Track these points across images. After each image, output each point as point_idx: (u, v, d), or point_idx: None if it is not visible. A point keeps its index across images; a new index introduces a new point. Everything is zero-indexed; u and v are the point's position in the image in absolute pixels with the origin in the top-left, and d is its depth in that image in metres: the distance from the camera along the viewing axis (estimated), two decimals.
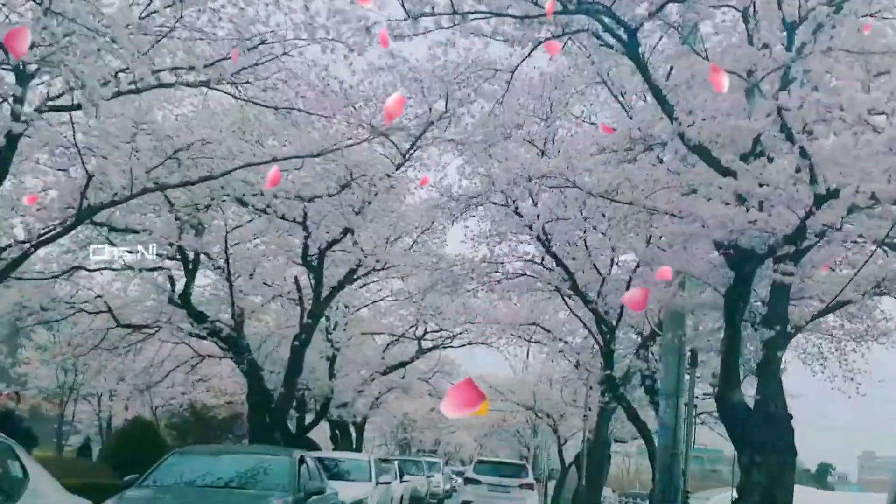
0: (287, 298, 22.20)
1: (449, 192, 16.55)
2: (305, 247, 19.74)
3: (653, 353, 18.25)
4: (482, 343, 34.24)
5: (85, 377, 30.29)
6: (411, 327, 33.14)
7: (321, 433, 41.34)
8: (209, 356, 26.46)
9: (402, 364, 33.82)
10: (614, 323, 18.80)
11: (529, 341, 31.86)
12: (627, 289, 16.87)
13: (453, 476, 46.18)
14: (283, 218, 17.82)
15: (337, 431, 33.19)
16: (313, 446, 35.53)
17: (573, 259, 17.59)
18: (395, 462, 23.98)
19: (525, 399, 36.74)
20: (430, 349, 34.21)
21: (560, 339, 29.34)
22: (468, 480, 24.43)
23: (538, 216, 14.80)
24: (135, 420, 25.67)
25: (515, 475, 24.46)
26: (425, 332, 33.82)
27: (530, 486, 24.07)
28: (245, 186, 16.37)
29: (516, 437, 56.98)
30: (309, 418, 29.38)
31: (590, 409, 27.25)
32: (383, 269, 27.64)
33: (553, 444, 43.34)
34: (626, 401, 19.05)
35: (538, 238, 16.59)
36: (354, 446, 39.00)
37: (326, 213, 19.09)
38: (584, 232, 15.97)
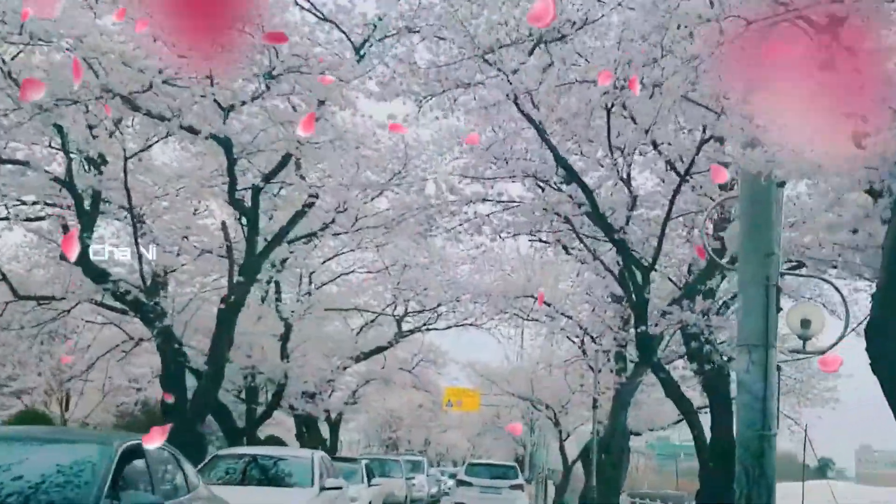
0: (218, 255, 17.12)
1: (413, 65, 11.36)
2: (232, 179, 14.67)
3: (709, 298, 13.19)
4: (471, 324, 29.28)
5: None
6: (388, 306, 28.07)
7: (287, 431, 36.40)
8: (143, 340, 21.29)
9: (379, 349, 28.75)
10: (651, 260, 13.60)
11: (526, 319, 26.82)
12: (668, 216, 11.90)
13: (442, 478, 41.22)
14: (189, 130, 12.80)
15: (304, 428, 28.02)
16: (280, 444, 30.52)
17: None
18: (363, 462, 18.88)
19: (521, 388, 31.65)
20: (410, 332, 29.13)
21: (562, 314, 24.36)
22: (460, 483, 24.72)
23: (540, 84, 9.78)
24: (24, 414, 20.47)
25: (506, 476, 24.84)
26: (405, 313, 28.77)
27: (520, 487, 24.57)
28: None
29: (511, 435, 51.85)
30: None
31: (602, 393, 22.22)
32: (352, 230, 22.80)
33: (554, 440, 38.24)
34: (665, 370, 13.97)
35: (539, 131, 11.44)
36: (329, 446, 33.95)
37: (258, 133, 14.11)
38: (610, 108, 10.75)
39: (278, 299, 20.02)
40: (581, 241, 14.76)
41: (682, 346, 14.58)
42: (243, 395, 22.40)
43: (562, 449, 33.19)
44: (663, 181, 12.96)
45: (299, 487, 11.84)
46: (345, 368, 28.04)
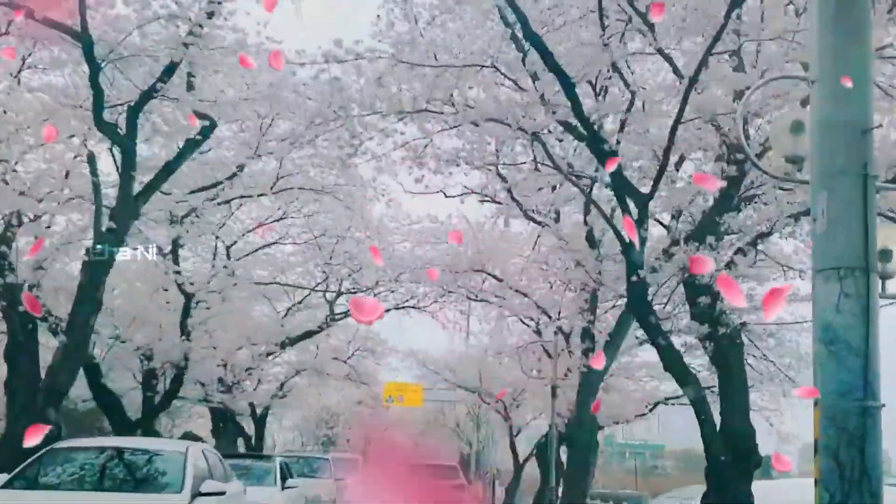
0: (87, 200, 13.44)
1: None
2: (97, 92, 11.07)
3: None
4: (412, 307, 25.88)
5: None
6: (318, 285, 24.54)
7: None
8: None
9: (309, 334, 25.18)
10: (652, 185, 10.21)
11: (474, 299, 23.53)
12: (679, 118, 8.69)
13: None
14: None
15: (221, 423, 24.32)
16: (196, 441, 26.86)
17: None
18: (277, 460, 15.37)
19: (468, 379, 28.34)
20: (344, 315, 25.57)
21: (517, 291, 21.13)
22: None
23: None
24: None
25: (446, 477, 23.71)
26: (339, 293, 25.25)
27: (461, 487, 24.86)
28: None
29: (456, 432, 48.56)
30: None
31: (564, 377, 19.04)
32: (271, 192, 19.36)
33: (504, 437, 35.06)
34: (665, 334, 10.69)
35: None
36: (253, 444, 30.22)
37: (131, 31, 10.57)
38: None
39: (176, 262, 16.33)
40: (551, 160, 11.42)
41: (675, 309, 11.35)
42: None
43: (512, 446, 29.94)
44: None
45: (163, 493, 8.36)
46: (269, 355, 24.43)
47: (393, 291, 25.47)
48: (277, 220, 22.88)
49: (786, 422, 23.78)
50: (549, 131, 10.95)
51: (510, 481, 30.43)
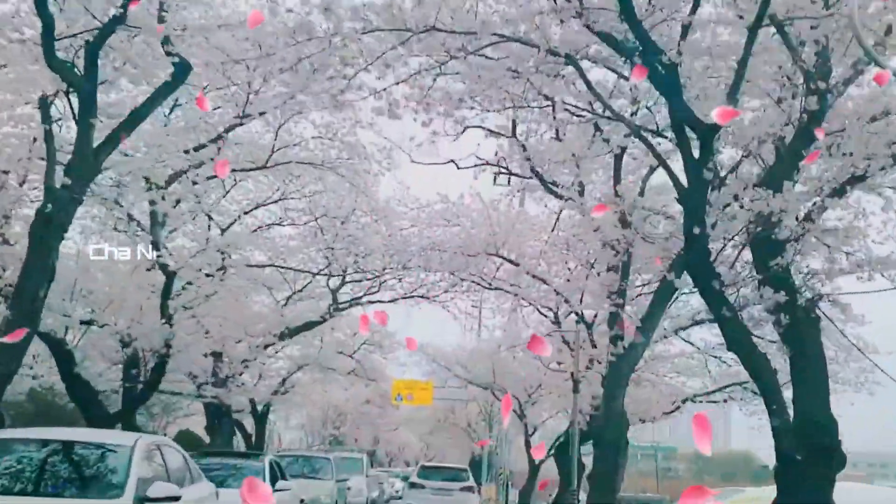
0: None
1: None
2: (46, 23, 9.25)
3: None
4: (421, 296, 23.98)
5: None
6: (321, 271, 22.66)
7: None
8: None
9: (310, 325, 23.32)
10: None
11: (488, 287, 21.61)
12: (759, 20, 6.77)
13: (389, 480, 35.83)
14: None
15: (216, 420, 22.47)
16: (192, 438, 25.02)
17: None
18: (267, 459, 13.47)
19: (481, 375, 26.42)
20: (349, 304, 23.74)
21: (534, 276, 19.23)
22: (412, 485, 24.65)
23: None
24: None
25: (457, 479, 24.91)
26: (343, 281, 23.41)
27: (471, 489, 24.71)
28: None
29: (467, 432, 46.66)
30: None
31: (589, 368, 17.16)
32: (270, 164, 17.67)
33: (518, 436, 33.14)
34: (727, 302, 8.70)
35: None
36: (254, 443, 28.43)
37: None
38: None
39: (154, 235, 14.46)
40: (590, 89, 9.43)
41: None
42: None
43: (527, 446, 28.00)
44: None
45: (101, 499, 6.52)
46: (267, 348, 22.59)
47: (400, 280, 23.65)
48: (276, 202, 21.10)
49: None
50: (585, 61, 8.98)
51: (525, 483, 28.48)
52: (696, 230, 7.92)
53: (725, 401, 22.94)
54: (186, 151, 13.10)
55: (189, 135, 13.72)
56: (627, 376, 14.40)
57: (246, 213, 20.92)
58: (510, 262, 19.24)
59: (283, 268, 21.39)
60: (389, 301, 23.89)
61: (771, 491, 13.42)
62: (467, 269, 20.88)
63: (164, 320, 14.76)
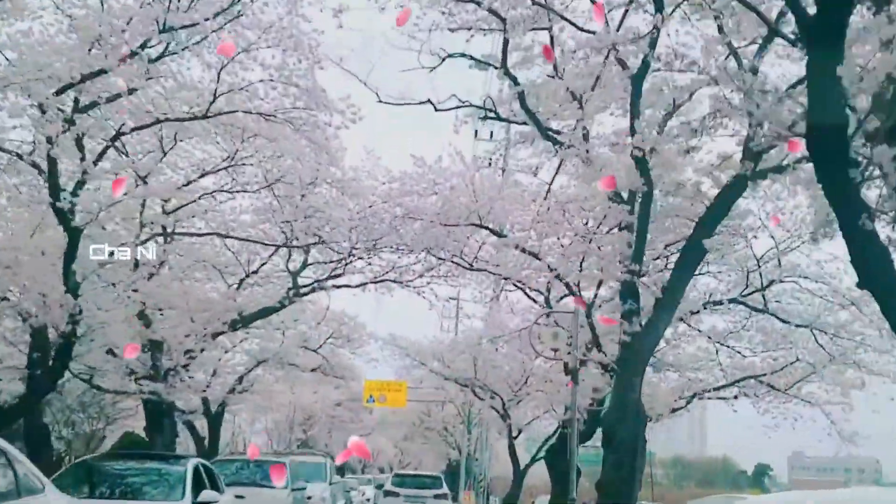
0: None
1: None
2: None
3: None
4: (393, 281, 20.96)
5: None
6: (281, 245, 19.55)
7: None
8: None
9: (267, 311, 20.22)
10: None
11: (469, 268, 18.64)
12: None
13: (360, 488, 32.73)
14: None
15: (158, 421, 19.18)
16: (136, 442, 21.89)
17: None
18: (190, 465, 10.29)
19: (460, 371, 23.34)
20: (311, 288, 20.62)
21: (522, 250, 16.25)
22: (387, 493, 24.62)
23: None
24: None
25: (431, 486, 24.73)
26: (304, 263, 20.30)
27: (445, 496, 24.48)
28: None
29: (444, 437, 43.58)
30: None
31: (586, 356, 14.25)
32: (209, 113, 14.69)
33: (500, 440, 30.13)
34: (867, 208, 5.75)
35: None
36: (206, 447, 25.21)
37: None
38: None
39: (53, 175, 11.28)
40: None
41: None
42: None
43: (511, 450, 24.94)
44: None
45: None
46: (216, 337, 19.44)
47: (370, 263, 20.61)
48: (226, 168, 17.96)
49: (853, 419, 19.08)
50: None
51: (509, 491, 25.41)
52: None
53: (736, 397, 20.09)
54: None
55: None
56: (645, 361, 11.50)
57: (188, 183, 17.79)
58: (495, 233, 16.27)
59: (228, 237, 18.17)
60: (357, 286, 20.80)
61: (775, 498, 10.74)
62: (446, 245, 18.00)
63: (66, 290, 11.61)
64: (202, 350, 19.13)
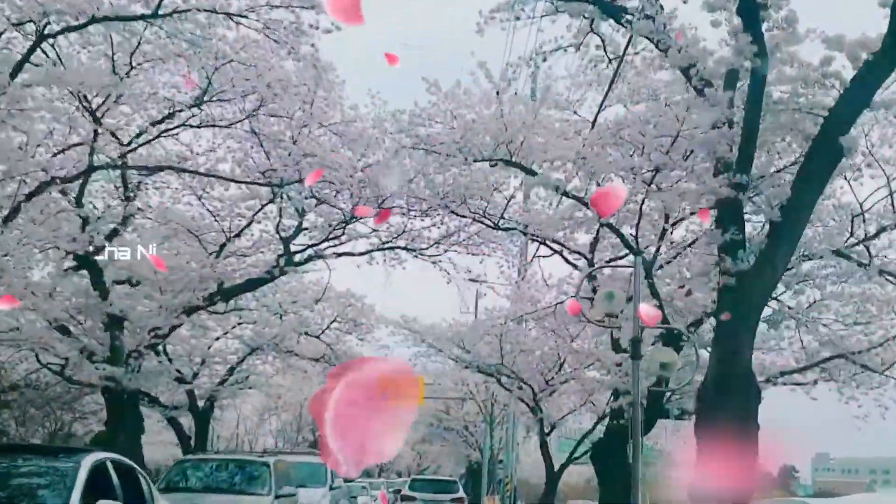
0: None
1: None
2: None
3: None
4: (404, 248, 17.40)
5: None
6: (262, 208, 15.97)
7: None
8: None
9: (253, 283, 16.65)
10: None
11: (495, 227, 15.07)
12: None
13: (365, 495, 29.14)
14: None
15: (119, 415, 15.52)
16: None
17: None
18: (88, 460, 6.66)
19: (484, 355, 19.56)
20: (306, 258, 17.00)
21: (564, 194, 12.67)
22: (404, 497, 24.52)
23: None
24: None
25: (447, 491, 24.60)
26: (299, 228, 16.65)
27: (461, 501, 24.15)
28: None
29: (464, 438, 39.82)
30: None
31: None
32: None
33: (529, 438, 26.37)
34: None
35: None
36: (195, 449, 21.56)
37: None
38: None
39: None
40: None
41: None
42: None
43: (544, 448, 21.09)
44: None
45: None
46: (189, 313, 15.84)
47: (375, 230, 17.04)
48: (197, 105, 14.34)
49: None
50: None
51: (542, 496, 21.57)
52: None
53: (816, 382, 16.25)
54: None
55: None
56: (759, 309, 7.78)
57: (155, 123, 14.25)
58: (526, 170, 12.59)
59: (195, 173, 14.59)
60: (361, 254, 17.21)
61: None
62: (469, 193, 14.47)
63: None
64: (172, 329, 15.56)
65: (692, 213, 12.45)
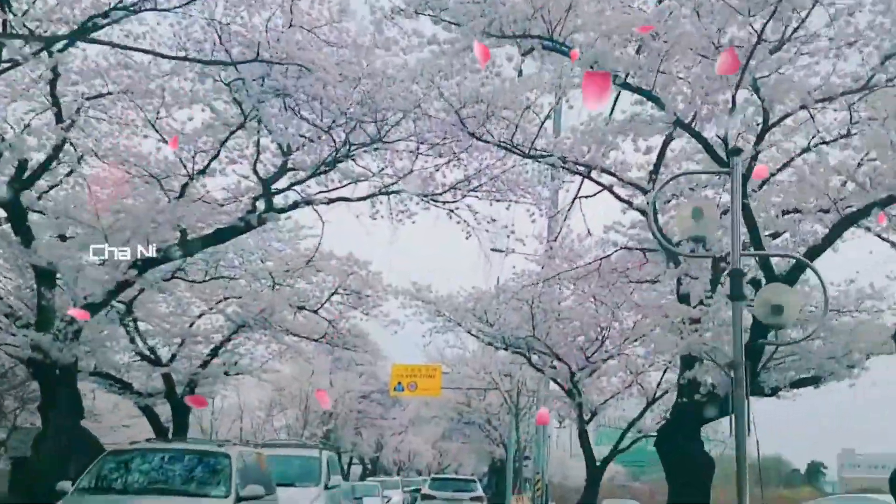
0: None
1: None
2: None
3: None
4: (420, 195, 13.93)
5: None
6: (232, 134, 12.41)
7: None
8: None
9: (225, 233, 13.14)
10: None
11: (525, 155, 11.59)
12: None
13: (384, 493, 25.93)
14: None
15: (66, 392, 12.09)
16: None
17: None
18: None
19: (511, 326, 15.91)
20: (291, 202, 13.43)
21: (624, 84, 9.04)
22: (424, 496, 24.67)
23: None
24: None
25: (466, 490, 24.76)
26: (283, 168, 13.07)
27: (480, 500, 24.33)
28: None
29: (486, 432, 36.23)
30: None
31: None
32: None
33: (561, 430, 22.75)
34: None
35: None
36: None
37: None
38: None
39: None
40: None
41: None
42: None
43: (583, 438, 17.33)
44: None
45: None
46: (141, 270, 12.32)
47: (381, 170, 13.52)
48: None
49: None
50: None
51: (583, 494, 17.81)
52: None
53: None
54: None
55: None
56: None
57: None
58: (560, 50, 9.01)
59: (119, 47, 11.08)
60: (359, 199, 13.67)
61: None
62: (490, 108, 11.02)
63: None
64: (118, 288, 12.07)
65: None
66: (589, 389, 16.84)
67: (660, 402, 17.37)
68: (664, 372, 16.64)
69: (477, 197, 14.10)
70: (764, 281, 9.33)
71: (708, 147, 9.15)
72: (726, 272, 7.68)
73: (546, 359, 16.32)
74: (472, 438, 39.98)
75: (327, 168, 12.93)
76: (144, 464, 9.60)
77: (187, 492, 9.05)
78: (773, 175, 9.86)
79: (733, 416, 7.81)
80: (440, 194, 13.91)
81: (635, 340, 15.32)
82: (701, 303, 10.51)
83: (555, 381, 17.16)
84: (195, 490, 9.11)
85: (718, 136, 9.18)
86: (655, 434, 19.29)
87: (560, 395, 17.78)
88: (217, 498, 9.01)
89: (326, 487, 13.62)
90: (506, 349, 17.13)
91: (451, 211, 14.07)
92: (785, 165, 9.87)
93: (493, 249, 20.72)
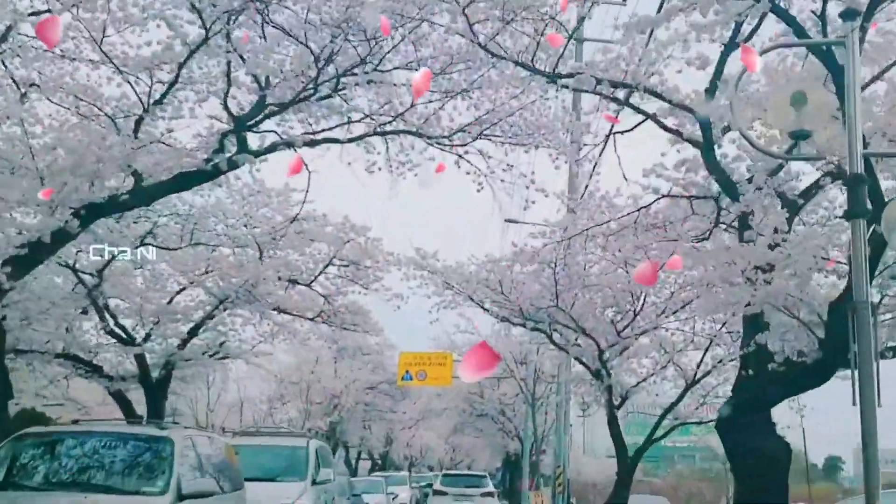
0: None
1: None
2: None
3: None
4: (413, 133, 11.72)
5: None
6: (192, 54, 10.11)
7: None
8: None
9: (189, 180, 10.89)
10: None
11: (552, 76, 9.28)
12: None
13: (389, 489, 23.82)
14: None
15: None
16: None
17: None
18: None
19: (529, 295, 13.54)
20: (268, 145, 11.15)
21: None
22: (436, 492, 24.81)
23: None
24: None
25: (478, 485, 24.87)
26: (262, 105, 10.77)
27: (491, 494, 24.53)
28: None
29: (501, 425, 33.93)
30: None
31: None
32: None
33: (597, 415, 20.44)
34: None
35: None
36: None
37: None
38: None
39: None
40: None
41: None
42: None
43: (613, 425, 14.88)
44: None
45: None
46: (85, 221, 10.06)
47: (378, 109, 11.26)
48: None
49: None
50: None
51: (613, 490, 15.39)
52: None
53: None
54: None
55: None
56: None
57: None
58: None
59: None
60: (349, 140, 11.39)
61: None
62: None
63: None
64: (57, 239, 9.81)
65: None
66: (619, 371, 14.47)
67: (698, 386, 15.06)
68: (706, 350, 14.27)
69: (490, 139, 11.86)
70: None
71: (800, 30, 6.82)
72: (847, 179, 5.36)
73: (570, 334, 13.99)
74: (486, 432, 37.69)
75: (308, 95, 10.65)
76: (64, 452, 7.36)
77: (112, 488, 6.81)
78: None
79: (856, 377, 5.55)
80: (447, 136, 11.65)
81: (675, 312, 13.00)
82: (776, 246, 8.15)
83: (579, 360, 14.83)
84: (123, 485, 6.87)
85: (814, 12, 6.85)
86: (695, 422, 17.05)
87: (586, 376, 15.44)
88: (149, 496, 6.75)
89: (314, 482, 11.37)
90: (524, 325, 14.79)
91: (461, 156, 11.82)
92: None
93: (507, 220, 18.34)
